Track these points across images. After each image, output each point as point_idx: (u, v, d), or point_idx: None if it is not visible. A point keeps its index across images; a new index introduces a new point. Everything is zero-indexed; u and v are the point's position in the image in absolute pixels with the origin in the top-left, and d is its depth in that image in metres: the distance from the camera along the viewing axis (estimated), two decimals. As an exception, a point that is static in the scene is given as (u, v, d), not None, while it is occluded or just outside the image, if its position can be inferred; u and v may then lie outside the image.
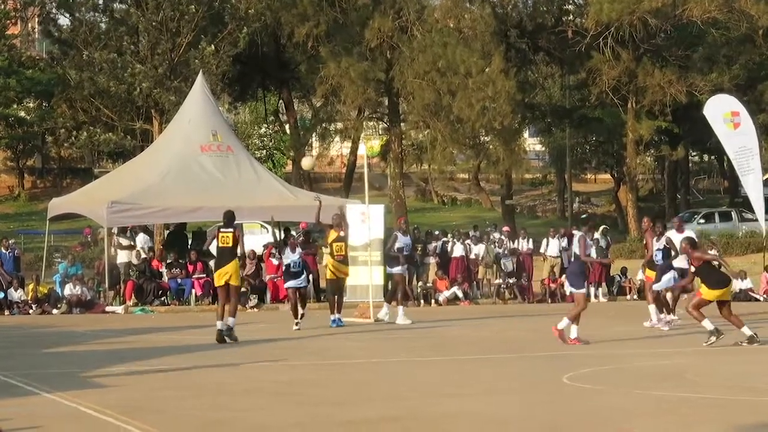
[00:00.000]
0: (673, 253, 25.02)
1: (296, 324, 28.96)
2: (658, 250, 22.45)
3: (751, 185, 43.91)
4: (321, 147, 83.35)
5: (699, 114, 46.26)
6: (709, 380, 19.09)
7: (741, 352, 23.40)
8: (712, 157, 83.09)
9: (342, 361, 22.27)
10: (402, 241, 32.66)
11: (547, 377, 19.23)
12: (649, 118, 64.25)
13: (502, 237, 45.44)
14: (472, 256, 43.93)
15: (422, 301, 41.12)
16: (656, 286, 23.85)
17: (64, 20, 63.59)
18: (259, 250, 42.78)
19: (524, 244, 45.29)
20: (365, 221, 32.88)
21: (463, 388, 17.55)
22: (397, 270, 32.41)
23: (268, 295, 40.00)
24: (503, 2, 66.56)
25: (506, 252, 44.07)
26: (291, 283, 30.58)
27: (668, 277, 22.58)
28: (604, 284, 43.48)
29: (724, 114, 43.98)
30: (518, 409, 15.76)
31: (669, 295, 25.06)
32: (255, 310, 38.14)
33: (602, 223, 53.97)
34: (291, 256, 30.92)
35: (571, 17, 67.74)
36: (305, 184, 59.95)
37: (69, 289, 38.10)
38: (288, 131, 75.99)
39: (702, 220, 63.06)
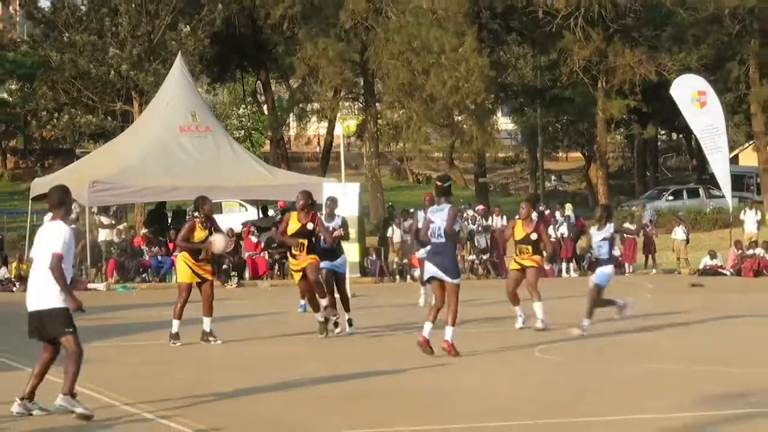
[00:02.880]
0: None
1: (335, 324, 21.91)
2: (604, 239, 21.54)
3: (717, 163, 44.08)
4: (298, 127, 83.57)
5: (668, 93, 46.34)
6: (674, 353, 19.25)
7: (705, 327, 23.57)
8: (681, 136, 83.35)
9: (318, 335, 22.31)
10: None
11: (519, 350, 19.36)
12: (620, 98, 64.35)
13: (476, 215, 45.47)
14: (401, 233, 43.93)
15: (398, 277, 41.17)
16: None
17: (45, 2, 63.63)
18: (238, 228, 42.80)
19: (498, 221, 45.37)
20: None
21: (439, 360, 17.62)
22: (421, 253, 27.96)
23: (247, 272, 40.06)
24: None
25: (480, 229, 44.10)
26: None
27: (610, 271, 21.61)
28: (574, 260, 43.58)
29: (691, 93, 44.10)
30: (495, 382, 15.89)
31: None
32: (235, 286, 38.13)
33: (566, 200, 54.23)
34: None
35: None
36: (283, 163, 59.91)
37: (51, 267, 38.12)
38: (266, 111, 75.97)
39: (671, 197, 63.34)
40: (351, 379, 16.03)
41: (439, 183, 18.99)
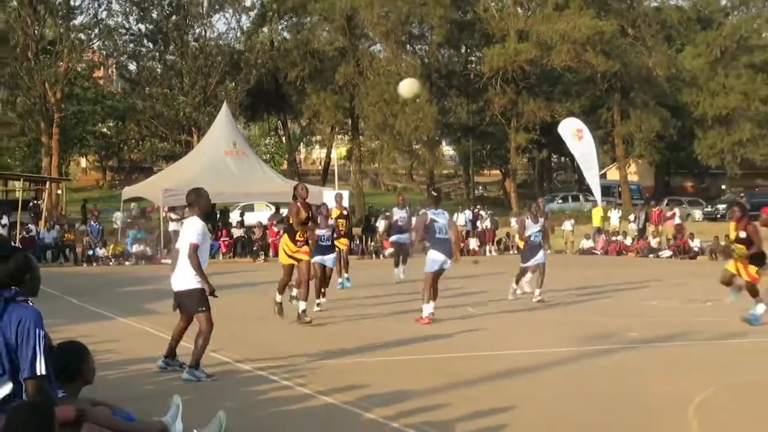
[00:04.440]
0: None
1: (317, 305, 18.50)
2: (539, 231, 20.65)
3: (590, 178, 44.19)
4: (306, 152, 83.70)
5: (558, 129, 46.33)
6: (562, 307, 19.13)
7: (589, 290, 23.42)
8: (566, 158, 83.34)
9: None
10: (398, 214, 27.64)
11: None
12: (525, 133, 64.40)
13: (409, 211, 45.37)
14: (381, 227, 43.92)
15: (374, 256, 41.02)
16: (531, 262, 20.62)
17: (132, 66, 63.77)
18: (265, 222, 42.71)
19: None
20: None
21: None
22: (393, 238, 27.65)
23: (271, 252, 39.99)
24: (428, 55, 66.69)
25: (404, 221, 44.06)
26: (316, 258, 19.07)
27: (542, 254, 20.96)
28: (495, 244, 43.54)
29: (573, 130, 44.13)
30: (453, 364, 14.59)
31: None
32: (263, 261, 38.00)
33: (489, 204, 54.13)
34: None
35: (473, 65, 67.83)
36: (295, 177, 59.75)
37: (136, 248, 38.10)
38: (284, 141, 76.03)
39: (560, 201, 63.34)
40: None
41: (435, 193, 18.20)
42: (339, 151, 67.94)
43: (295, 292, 17.16)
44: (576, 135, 44.22)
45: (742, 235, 16.49)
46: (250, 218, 46.43)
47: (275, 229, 40.92)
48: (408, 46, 66.44)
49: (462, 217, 45.15)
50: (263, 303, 20.45)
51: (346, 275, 23.43)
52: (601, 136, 63.69)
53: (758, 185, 75.83)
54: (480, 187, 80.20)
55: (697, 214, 59.95)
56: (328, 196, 32.34)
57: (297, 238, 16.37)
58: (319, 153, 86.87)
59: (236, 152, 40.40)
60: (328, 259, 19.03)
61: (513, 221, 46.94)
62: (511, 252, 41.99)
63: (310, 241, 16.98)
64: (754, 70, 68.46)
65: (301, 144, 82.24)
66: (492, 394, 10.20)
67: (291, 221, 16.49)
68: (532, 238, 20.91)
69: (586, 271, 30.89)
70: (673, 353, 13.35)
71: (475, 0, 66.06)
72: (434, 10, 60.06)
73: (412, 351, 13.40)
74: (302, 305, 16.21)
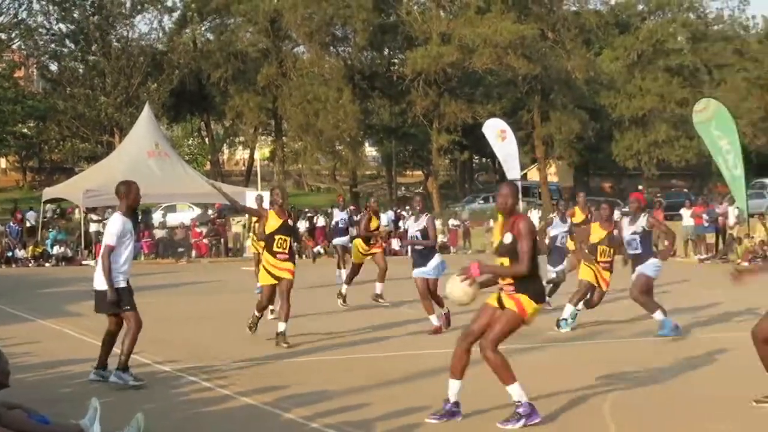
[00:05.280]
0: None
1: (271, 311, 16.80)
2: (566, 232, 18.65)
3: (512, 178, 44.41)
4: (229, 153, 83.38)
5: (480, 131, 46.55)
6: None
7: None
8: (488, 159, 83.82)
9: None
10: (338, 216, 26.25)
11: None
12: (447, 134, 64.69)
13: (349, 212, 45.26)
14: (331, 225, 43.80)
15: (296, 256, 40.83)
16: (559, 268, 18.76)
17: (53, 66, 63.07)
18: (188, 222, 42.42)
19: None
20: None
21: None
22: (335, 241, 26.07)
23: (194, 252, 39.71)
24: (351, 56, 66.71)
25: (352, 223, 43.92)
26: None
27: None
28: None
29: (496, 131, 44.39)
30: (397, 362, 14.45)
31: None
32: (186, 263, 37.73)
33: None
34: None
35: (396, 67, 67.96)
36: (218, 178, 59.37)
37: (56, 249, 37.62)
38: (207, 142, 75.61)
39: (482, 201, 63.57)
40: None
41: (418, 197, 17.14)
42: (262, 152, 67.65)
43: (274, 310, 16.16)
44: (500, 135, 44.51)
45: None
46: (172, 219, 46.07)
47: (197, 230, 40.77)
48: (331, 47, 66.41)
49: (384, 218, 45.21)
50: (185, 304, 20.40)
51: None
52: (522, 137, 64.10)
53: (674, 185, 76.93)
54: (402, 188, 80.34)
55: (615, 214, 60.67)
56: (249, 197, 32.17)
57: (275, 249, 14.30)
58: (242, 154, 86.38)
59: (158, 153, 40.05)
60: None
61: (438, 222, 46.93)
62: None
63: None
64: (670, 73, 69.58)
65: (224, 145, 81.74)
66: (412, 393, 10.21)
67: (266, 232, 14.54)
68: (558, 240, 18.73)
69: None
70: (587, 351, 13.48)
71: (398, 3, 66.25)
72: (358, 13, 60.09)
73: (334, 352, 13.39)
74: (282, 326, 14.01)
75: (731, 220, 37.32)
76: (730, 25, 76.77)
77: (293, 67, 61.60)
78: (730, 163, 35.50)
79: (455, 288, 8.70)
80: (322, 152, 64.63)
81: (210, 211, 44.53)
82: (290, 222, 14.66)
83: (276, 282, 14.25)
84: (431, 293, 15.16)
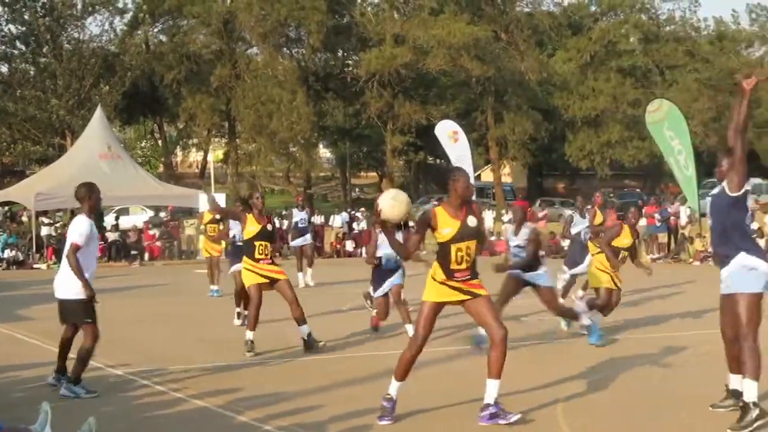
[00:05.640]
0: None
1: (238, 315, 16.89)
2: (588, 227, 18.02)
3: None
4: (182, 155, 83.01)
5: (433, 132, 46.63)
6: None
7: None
8: (442, 161, 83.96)
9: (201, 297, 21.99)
10: (298, 215, 25.95)
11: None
12: (401, 135, 64.82)
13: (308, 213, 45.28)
14: (284, 227, 43.65)
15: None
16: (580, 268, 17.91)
17: (3, 68, 62.60)
18: (141, 225, 42.22)
19: (319, 219, 45.22)
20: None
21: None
22: (294, 242, 25.90)
23: (147, 255, 39.49)
24: (305, 58, 66.65)
25: (305, 223, 43.90)
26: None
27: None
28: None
29: (449, 133, 44.45)
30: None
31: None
32: (139, 265, 37.52)
33: (365, 206, 54.00)
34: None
35: (350, 68, 67.99)
36: (172, 180, 59.09)
37: (7, 253, 37.29)
38: (160, 144, 75.27)
39: (436, 202, 63.64)
40: (221, 327, 15.65)
41: None
42: (216, 154, 67.38)
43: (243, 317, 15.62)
44: (452, 137, 44.56)
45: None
46: (125, 222, 45.78)
47: (150, 232, 40.56)
48: (285, 49, 66.33)
49: (339, 219, 45.33)
50: (138, 307, 20.29)
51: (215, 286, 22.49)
52: (476, 138, 64.40)
53: (627, 185, 77.53)
54: (357, 189, 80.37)
55: (569, 214, 61.06)
56: (202, 199, 32.08)
57: (257, 256, 13.60)
58: (195, 156, 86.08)
59: (111, 155, 39.85)
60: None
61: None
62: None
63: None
64: (622, 74, 70.10)
65: (178, 147, 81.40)
66: (368, 394, 10.20)
67: (245, 238, 13.83)
68: (581, 236, 18.09)
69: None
70: (539, 351, 13.55)
71: (351, 4, 66.28)
72: (311, 14, 59.98)
73: (289, 354, 13.35)
74: (249, 335, 13.44)
75: (683, 220, 37.70)
76: (681, 26, 77.39)
77: (247, 69, 61.43)
78: (682, 163, 35.88)
79: (386, 201, 9.08)
80: (275, 154, 64.45)
81: (162, 213, 44.29)
82: (269, 227, 13.92)
83: (264, 281, 13.55)
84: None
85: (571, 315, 14.35)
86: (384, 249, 14.06)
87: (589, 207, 18.53)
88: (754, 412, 8.28)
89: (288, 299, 13.56)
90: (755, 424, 8.24)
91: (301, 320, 13.55)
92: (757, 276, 8.54)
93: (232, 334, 15.36)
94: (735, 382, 8.99)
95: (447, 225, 8.89)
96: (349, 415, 9.11)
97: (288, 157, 65.41)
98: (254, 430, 8.72)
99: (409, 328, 14.14)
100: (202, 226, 23.50)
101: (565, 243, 26.26)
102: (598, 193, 18.76)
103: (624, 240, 14.64)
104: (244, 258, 13.78)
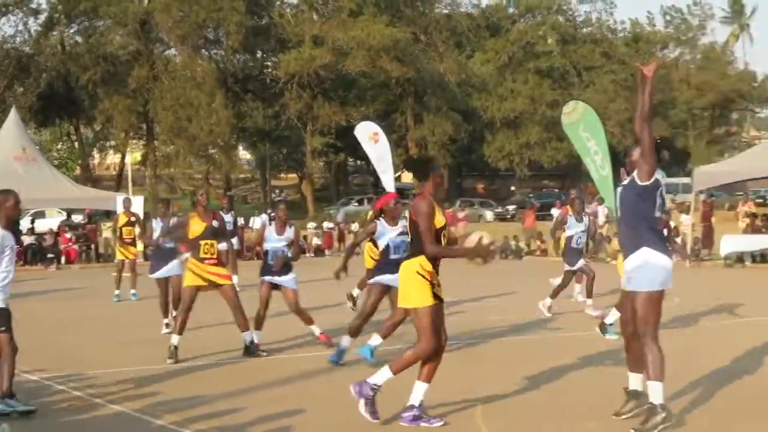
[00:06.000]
0: None
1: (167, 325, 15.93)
2: (583, 232, 17.57)
3: (386, 181, 44.36)
4: (99, 157, 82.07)
5: (353, 133, 46.58)
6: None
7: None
8: (362, 162, 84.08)
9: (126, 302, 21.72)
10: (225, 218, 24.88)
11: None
12: (321, 136, 64.86)
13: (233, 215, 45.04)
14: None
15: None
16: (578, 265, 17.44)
17: None
18: (56, 228, 41.66)
19: (240, 220, 44.90)
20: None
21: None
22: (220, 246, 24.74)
23: (63, 258, 38.93)
24: (224, 59, 66.36)
25: (231, 226, 43.62)
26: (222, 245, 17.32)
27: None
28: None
29: (369, 134, 44.24)
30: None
31: None
32: (55, 269, 36.96)
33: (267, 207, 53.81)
34: (224, 217, 18.09)
35: (269, 69, 67.84)
36: (89, 183, 58.44)
37: None
38: (77, 147, 74.33)
39: (356, 203, 63.79)
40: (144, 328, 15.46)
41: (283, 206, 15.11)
42: (133, 156, 66.78)
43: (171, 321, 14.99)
44: (372, 138, 44.21)
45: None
46: (40, 225, 45.12)
47: (67, 235, 39.98)
48: (203, 50, 65.97)
49: (258, 221, 45.05)
50: (54, 311, 19.98)
51: (132, 291, 22.00)
52: (396, 139, 64.60)
53: (545, 186, 78.29)
54: (277, 191, 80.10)
55: (488, 214, 61.41)
56: (119, 201, 31.66)
57: (202, 255, 13.07)
58: (113, 158, 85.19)
59: (26, 158, 39.19)
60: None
61: (313, 224, 47.02)
62: (307, 255, 42.04)
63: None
64: (540, 76, 70.83)
65: (95, 149, 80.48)
66: (288, 395, 10.19)
67: (189, 237, 13.21)
68: (574, 242, 17.51)
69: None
70: (465, 351, 13.60)
71: (270, 5, 66.14)
72: (230, 16, 59.73)
73: (211, 357, 13.23)
74: (175, 339, 13.00)
75: (601, 220, 38.08)
76: (598, 28, 78.43)
77: (165, 70, 60.96)
78: (599, 164, 36.05)
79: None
80: (194, 156, 64.13)
81: (79, 216, 43.75)
82: (216, 224, 13.32)
83: (203, 284, 13.07)
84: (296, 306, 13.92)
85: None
86: (270, 243, 13.62)
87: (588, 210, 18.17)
88: (660, 415, 8.11)
89: (231, 305, 13.13)
90: (660, 427, 8.08)
91: (243, 327, 13.17)
92: (656, 271, 8.32)
93: (154, 337, 15.20)
94: (634, 381, 8.87)
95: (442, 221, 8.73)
96: (270, 417, 9.06)
97: (207, 159, 65.12)
98: (172, 434, 8.65)
99: (316, 329, 13.95)
100: (117, 229, 23.01)
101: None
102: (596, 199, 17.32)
103: None
104: (191, 259, 13.27)
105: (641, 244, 8.34)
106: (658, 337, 8.36)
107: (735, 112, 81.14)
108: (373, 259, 14.28)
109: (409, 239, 9.12)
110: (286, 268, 13.66)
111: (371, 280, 12.64)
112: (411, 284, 8.52)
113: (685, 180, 54.58)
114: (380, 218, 12.52)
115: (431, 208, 8.51)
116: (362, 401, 8.68)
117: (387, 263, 12.25)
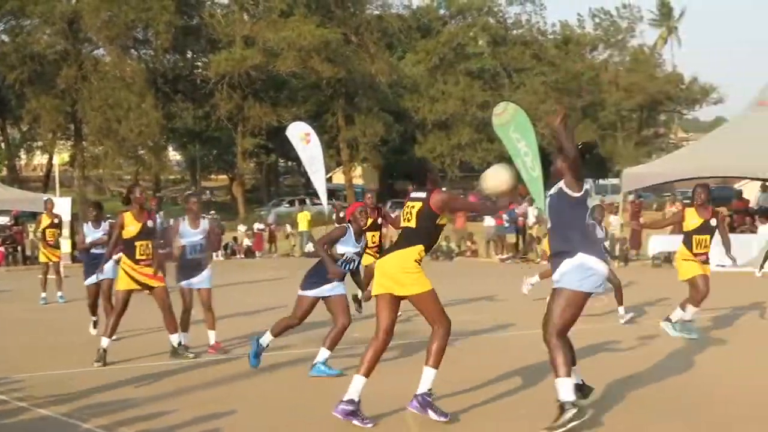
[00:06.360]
0: None
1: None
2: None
3: (317, 181, 44.30)
4: (27, 158, 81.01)
5: (285, 134, 46.43)
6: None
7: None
8: (293, 163, 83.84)
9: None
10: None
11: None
12: (252, 137, 64.65)
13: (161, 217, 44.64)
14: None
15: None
16: None
17: None
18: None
19: (170, 222, 44.58)
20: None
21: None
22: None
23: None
24: (153, 59, 65.86)
25: (161, 228, 43.30)
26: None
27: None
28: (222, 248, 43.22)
29: (300, 135, 44.25)
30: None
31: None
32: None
33: (216, 209, 53.65)
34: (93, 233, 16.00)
35: (199, 70, 67.47)
36: (15, 184, 57.62)
37: None
38: (2, 147, 73.26)
39: (287, 204, 63.62)
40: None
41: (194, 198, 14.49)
42: (61, 157, 66.00)
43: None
44: (304, 138, 44.36)
45: (713, 222, 14.51)
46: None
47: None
48: (133, 50, 65.44)
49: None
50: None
51: (59, 292, 21.73)
52: (327, 140, 64.51)
53: (476, 187, 78.68)
54: (208, 192, 79.68)
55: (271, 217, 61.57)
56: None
57: (138, 257, 12.79)
58: (40, 159, 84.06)
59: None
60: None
61: (243, 226, 46.80)
62: (237, 257, 41.83)
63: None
64: (471, 77, 71.16)
65: (22, 150, 79.33)
66: (217, 398, 10.13)
67: (123, 238, 12.87)
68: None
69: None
70: (394, 352, 13.60)
71: (200, 5, 65.81)
72: (160, 15, 59.27)
73: (138, 360, 13.10)
74: (105, 342, 12.75)
75: (531, 220, 38.40)
76: (528, 30, 78.95)
77: (94, 70, 60.29)
78: (529, 165, 36.36)
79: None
80: (123, 157, 63.62)
81: (6, 218, 43.13)
82: (150, 224, 12.95)
83: (137, 287, 12.88)
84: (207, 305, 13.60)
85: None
86: (187, 237, 13.38)
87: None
88: (571, 412, 8.11)
89: (161, 307, 12.90)
90: (570, 425, 8.06)
91: (172, 329, 12.98)
92: (589, 276, 8.41)
93: (82, 339, 15.03)
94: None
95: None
96: (199, 419, 9.00)
97: (136, 160, 64.60)
98: (100, 438, 8.56)
99: (212, 335, 13.66)
100: (39, 231, 22.64)
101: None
102: (702, 185, 14.89)
103: (690, 223, 14.40)
104: (123, 258, 12.93)
105: (576, 250, 8.41)
106: (566, 337, 8.44)
107: (663, 113, 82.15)
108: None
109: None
110: (200, 267, 13.44)
111: None
112: (411, 272, 8.82)
113: (614, 181, 55.26)
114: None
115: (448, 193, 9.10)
116: (430, 411, 8.74)
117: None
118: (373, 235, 16.06)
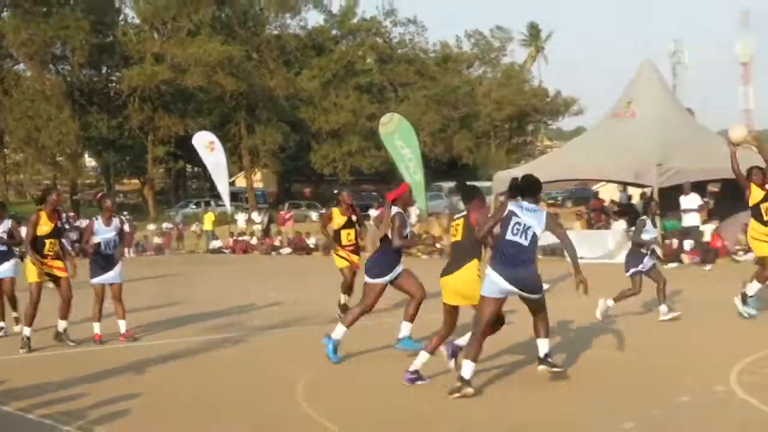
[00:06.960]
0: None
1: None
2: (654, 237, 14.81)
3: (221, 185, 44.04)
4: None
5: (191, 142, 46.09)
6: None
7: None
8: (200, 168, 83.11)
9: None
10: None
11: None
12: (162, 145, 64.08)
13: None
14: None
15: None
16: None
17: None
18: None
19: (83, 223, 43.89)
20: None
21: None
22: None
23: None
24: (71, 74, 64.80)
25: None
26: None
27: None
28: (134, 246, 42.57)
29: (206, 143, 43.97)
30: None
31: None
32: None
33: (128, 210, 52.85)
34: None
35: (113, 83, 66.61)
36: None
37: None
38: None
39: (194, 206, 63.04)
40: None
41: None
42: (-16, 163, 64.59)
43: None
44: (209, 147, 44.14)
45: None
46: None
47: None
48: (51, 66, 64.34)
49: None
50: None
51: None
52: (230, 148, 64.12)
53: (365, 189, 78.81)
54: (121, 195, 78.50)
55: (314, 215, 61.50)
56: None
57: (45, 251, 12.76)
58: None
59: None
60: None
61: (153, 225, 46.23)
62: (147, 253, 41.25)
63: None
64: (361, 91, 71.31)
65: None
66: (130, 382, 10.04)
67: (36, 235, 12.69)
68: (646, 247, 14.31)
69: (221, 267, 30.97)
70: (286, 338, 13.61)
71: (114, 25, 65.11)
72: (76, 33, 58.48)
73: (54, 348, 12.87)
74: (27, 331, 12.63)
75: (413, 219, 38.68)
76: (411, 49, 79.30)
77: (15, 85, 59.13)
78: (412, 170, 36.81)
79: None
80: (43, 164, 62.51)
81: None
82: (59, 224, 12.92)
83: (46, 279, 12.89)
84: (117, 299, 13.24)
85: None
86: (101, 235, 12.99)
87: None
88: (468, 389, 8.75)
89: (63, 297, 12.83)
90: (463, 392, 8.67)
91: (63, 316, 12.90)
92: (491, 283, 9.07)
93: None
94: (542, 348, 9.40)
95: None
96: (110, 400, 8.89)
97: (55, 167, 63.47)
98: (18, 420, 8.39)
99: (122, 324, 13.28)
100: None
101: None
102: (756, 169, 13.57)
103: (754, 197, 13.31)
104: (30, 254, 12.71)
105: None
106: (485, 332, 9.08)
107: (530, 123, 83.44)
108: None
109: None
110: (112, 262, 13.14)
111: None
112: (477, 285, 9.25)
113: (488, 184, 55.90)
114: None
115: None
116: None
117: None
118: (348, 233, 15.09)
